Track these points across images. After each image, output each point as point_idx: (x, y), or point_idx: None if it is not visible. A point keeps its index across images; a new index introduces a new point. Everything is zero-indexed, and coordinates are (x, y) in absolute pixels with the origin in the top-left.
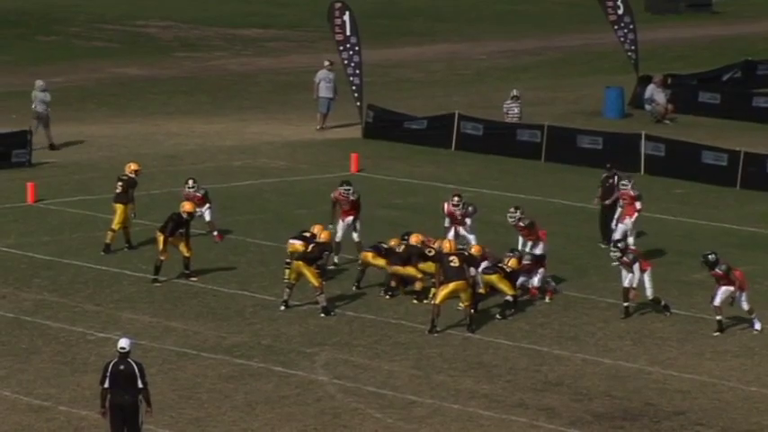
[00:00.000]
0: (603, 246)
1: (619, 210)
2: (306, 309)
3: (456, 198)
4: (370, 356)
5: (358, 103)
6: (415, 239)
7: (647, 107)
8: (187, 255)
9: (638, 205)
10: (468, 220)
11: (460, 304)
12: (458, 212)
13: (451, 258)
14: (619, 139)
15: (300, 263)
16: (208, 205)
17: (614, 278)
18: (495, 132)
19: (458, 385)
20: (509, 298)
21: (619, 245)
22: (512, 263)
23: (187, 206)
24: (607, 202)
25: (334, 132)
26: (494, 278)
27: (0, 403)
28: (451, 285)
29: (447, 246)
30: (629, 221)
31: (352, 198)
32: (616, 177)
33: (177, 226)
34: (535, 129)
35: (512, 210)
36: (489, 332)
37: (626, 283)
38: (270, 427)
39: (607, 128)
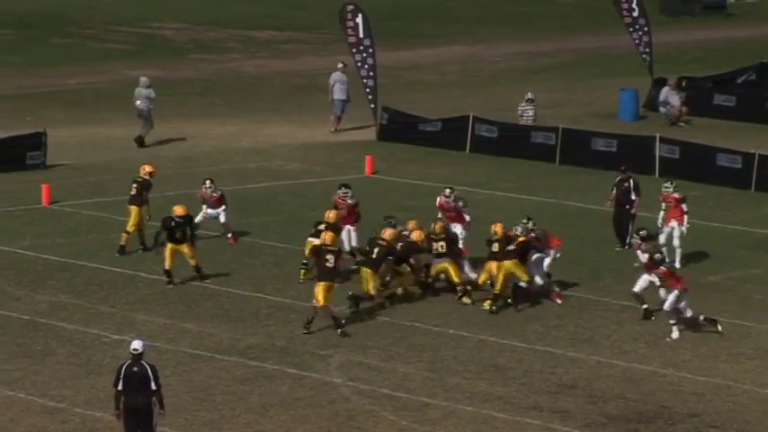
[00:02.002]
0: (618, 248)
1: (662, 213)
2: (320, 311)
3: (448, 191)
4: (385, 358)
5: (372, 105)
6: (416, 235)
7: (662, 109)
8: (193, 263)
9: (684, 207)
10: (467, 217)
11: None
12: (449, 204)
13: (328, 257)
14: (633, 141)
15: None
16: (223, 207)
17: (629, 281)
18: (510, 134)
19: (472, 388)
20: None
21: (641, 233)
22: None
23: (179, 210)
24: (632, 209)
25: (348, 134)
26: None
27: (15, 405)
28: (323, 284)
29: (328, 238)
30: (678, 226)
31: (350, 202)
32: (632, 181)
33: (171, 231)
34: (550, 131)
35: (524, 221)
36: (504, 334)
37: (636, 289)
38: (284, 429)
39: (621, 130)
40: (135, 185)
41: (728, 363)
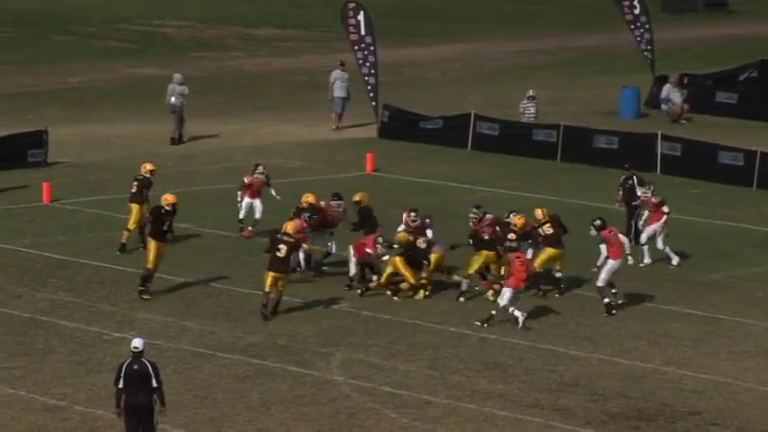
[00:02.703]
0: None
1: (645, 213)
2: (321, 308)
3: (413, 214)
4: (386, 356)
5: (373, 103)
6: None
7: (664, 107)
8: (150, 265)
9: (665, 209)
10: (429, 232)
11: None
12: (415, 224)
13: (280, 247)
14: (635, 139)
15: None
16: (272, 190)
17: (630, 279)
18: (511, 132)
19: (473, 385)
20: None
21: (596, 223)
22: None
23: (169, 198)
24: (636, 203)
25: (349, 132)
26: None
27: (16, 403)
28: (272, 275)
29: (290, 227)
30: (655, 225)
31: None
32: (635, 178)
33: (157, 220)
34: (551, 129)
35: (473, 213)
36: (505, 332)
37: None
38: (285, 426)
39: (623, 128)
40: (136, 183)
41: (730, 360)
